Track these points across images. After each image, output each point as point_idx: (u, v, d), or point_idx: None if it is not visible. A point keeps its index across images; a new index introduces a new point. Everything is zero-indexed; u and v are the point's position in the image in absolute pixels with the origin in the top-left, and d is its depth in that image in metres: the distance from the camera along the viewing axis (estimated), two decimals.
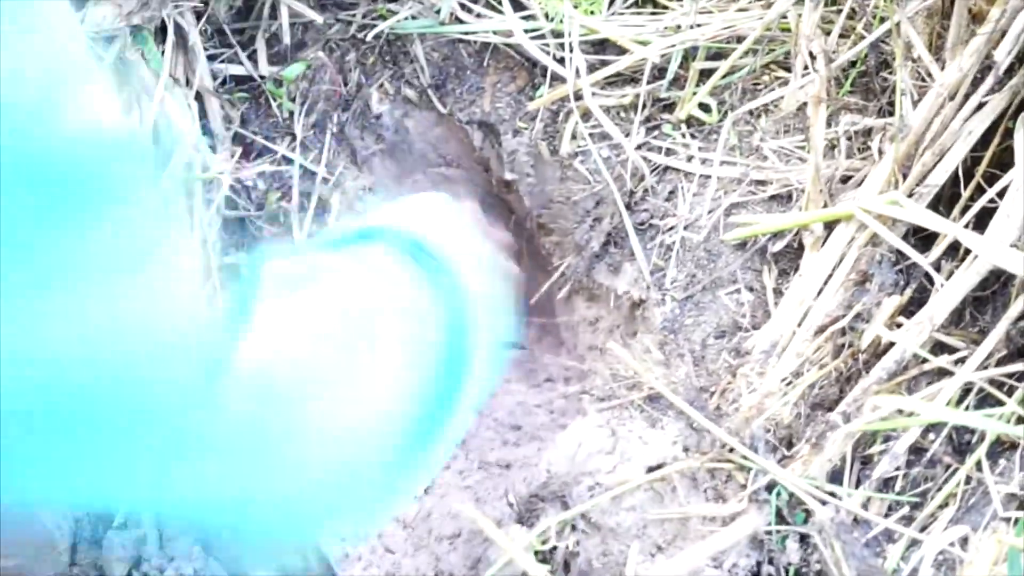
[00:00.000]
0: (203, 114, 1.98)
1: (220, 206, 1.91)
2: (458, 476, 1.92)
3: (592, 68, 2.01)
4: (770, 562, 1.54)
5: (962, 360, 1.55)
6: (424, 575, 1.68)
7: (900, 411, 1.51)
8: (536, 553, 1.56)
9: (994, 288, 1.59)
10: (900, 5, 1.70)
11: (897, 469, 1.54)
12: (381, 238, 1.05)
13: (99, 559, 1.73)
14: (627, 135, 1.97)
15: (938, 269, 1.60)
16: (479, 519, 1.54)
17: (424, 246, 1.03)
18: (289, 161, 2.04)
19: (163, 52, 1.93)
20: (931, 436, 1.54)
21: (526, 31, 2.05)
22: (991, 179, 1.61)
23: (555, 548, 1.57)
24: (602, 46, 2.05)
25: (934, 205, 1.64)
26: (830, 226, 1.72)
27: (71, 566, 1.73)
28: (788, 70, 1.93)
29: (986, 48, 1.60)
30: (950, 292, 1.56)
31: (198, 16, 2.01)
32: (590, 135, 2.00)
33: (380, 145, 2.20)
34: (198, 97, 1.98)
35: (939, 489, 1.51)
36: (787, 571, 1.53)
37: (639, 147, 1.97)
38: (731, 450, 1.58)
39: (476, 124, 2.16)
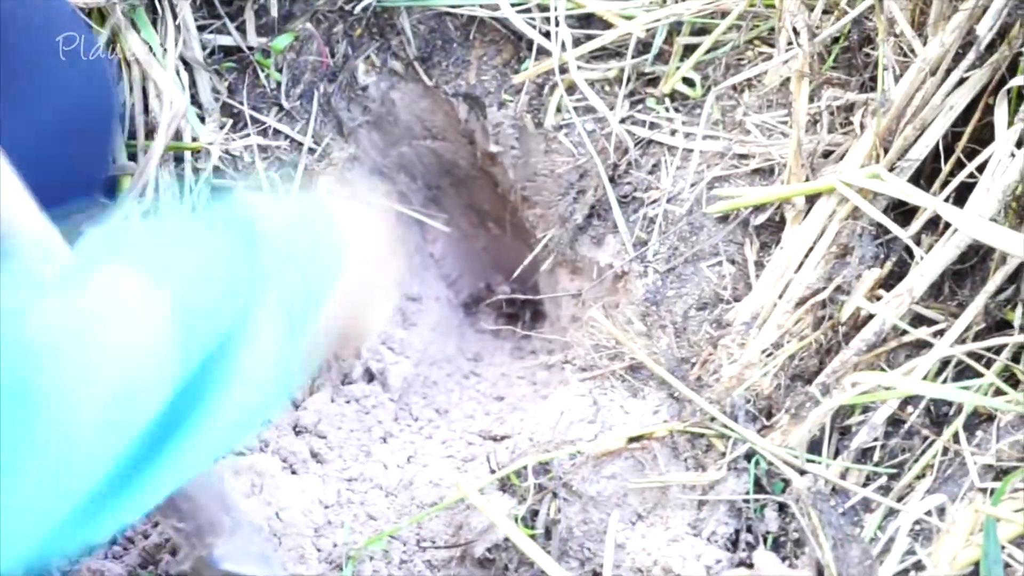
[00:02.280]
0: (192, 84, 1.97)
1: (209, 175, 1.91)
2: (441, 446, 1.92)
3: (577, 42, 2.02)
4: (748, 530, 1.55)
5: (941, 333, 1.56)
6: (406, 542, 1.68)
7: (879, 384, 1.52)
8: (518, 520, 1.56)
9: (973, 262, 1.60)
10: None
11: (875, 440, 1.56)
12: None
13: None
14: (611, 108, 1.98)
15: (918, 243, 1.61)
16: (461, 485, 1.54)
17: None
18: (276, 132, 2.04)
19: (153, 22, 1.93)
20: (909, 408, 1.56)
21: (512, 4, 2.06)
22: (971, 155, 1.62)
23: (537, 515, 1.58)
24: (587, 20, 2.05)
25: (915, 179, 1.65)
26: (811, 200, 1.73)
27: None
28: (772, 45, 1.94)
29: (968, 23, 1.60)
30: (929, 265, 1.57)
31: None
32: (575, 108, 2.01)
33: (366, 117, 2.20)
34: (187, 68, 1.97)
35: (916, 460, 1.52)
36: (765, 539, 1.54)
37: (623, 120, 1.98)
38: (712, 419, 1.59)
39: (462, 97, 2.16)
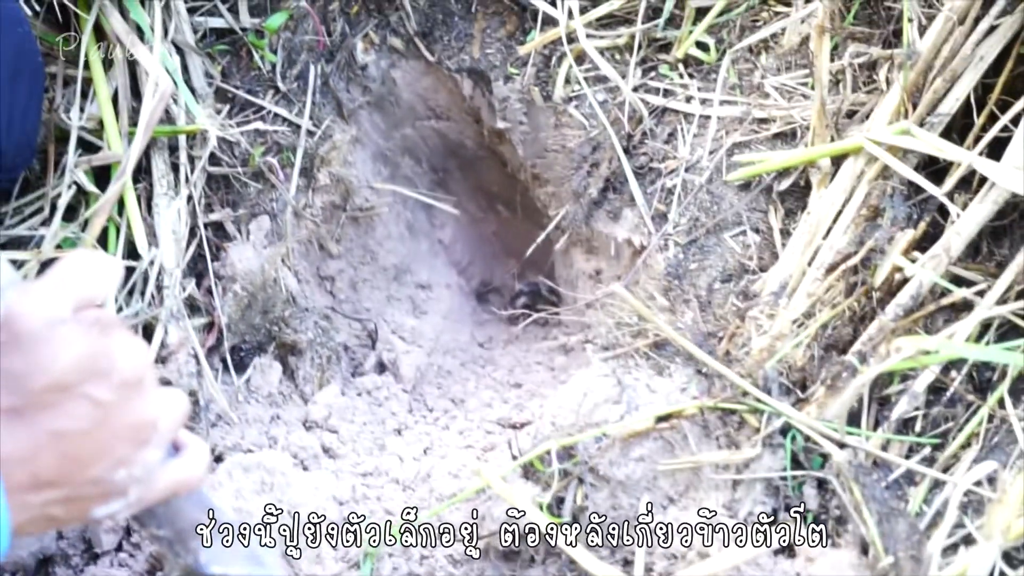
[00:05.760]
0: (184, 69, 1.91)
1: (205, 163, 1.85)
2: (458, 436, 1.89)
3: (584, 9, 1.96)
4: (787, 509, 1.49)
5: (981, 294, 1.49)
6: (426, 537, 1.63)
7: (920, 350, 1.46)
8: (543, 508, 1.50)
9: (1012, 218, 1.54)
10: None
11: (917, 409, 1.49)
12: None
13: (87, 531, 1.68)
14: (623, 77, 1.92)
15: (952, 201, 1.54)
16: (483, 472, 1.49)
17: None
18: (274, 115, 1.98)
19: (142, 3, 1.86)
20: (951, 374, 1.49)
21: None
22: (1004, 108, 1.55)
23: (563, 503, 1.52)
24: None
25: (945, 135, 1.59)
26: (838, 161, 1.66)
27: (58, 540, 1.68)
28: (788, 4, 1.89)
29: None
30: (966, 223, 1.50)
31: None
32: (584, 79, 1.95)
33: (367, 97, 2.15)
34: (179, 52, 1.91)
35: (961, 429, 1.46)
36: (805, 518, 1.48)
37: (636, 89, 1.93)
38: (744, 394, 1.53)
39: (466, 72, 2.11)
